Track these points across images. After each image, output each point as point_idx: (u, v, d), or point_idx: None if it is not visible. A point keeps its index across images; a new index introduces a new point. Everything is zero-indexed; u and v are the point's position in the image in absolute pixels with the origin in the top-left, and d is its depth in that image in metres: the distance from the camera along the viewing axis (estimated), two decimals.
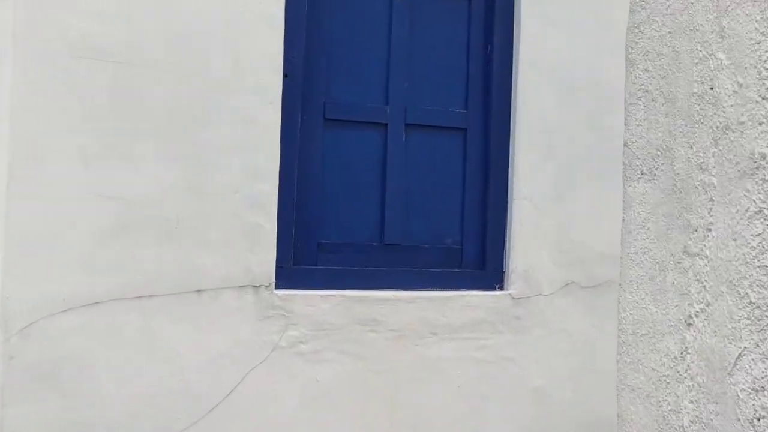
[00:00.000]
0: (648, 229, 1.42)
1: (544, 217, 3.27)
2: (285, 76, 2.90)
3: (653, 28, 1.44)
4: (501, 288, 3.26)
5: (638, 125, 1.48)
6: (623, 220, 1.52)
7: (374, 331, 3.00)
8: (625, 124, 1.53)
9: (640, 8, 1.48)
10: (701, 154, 1.28)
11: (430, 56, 3.24)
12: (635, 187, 1.47)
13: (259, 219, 2.83)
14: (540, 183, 3.27)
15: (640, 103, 1.47)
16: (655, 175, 1.41)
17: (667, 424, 1.29)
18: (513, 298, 3.22)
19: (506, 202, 3.27)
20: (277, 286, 2.90)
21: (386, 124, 3.16)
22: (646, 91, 1.45)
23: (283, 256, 2.93)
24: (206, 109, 2.75)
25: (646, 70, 1.46)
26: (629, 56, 1.52)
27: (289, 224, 2.95)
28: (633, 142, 1.49)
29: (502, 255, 3.27)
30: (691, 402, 1.24)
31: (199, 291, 2.74)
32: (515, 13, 3.30)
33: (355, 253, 3.12)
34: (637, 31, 1.49)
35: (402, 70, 3.17)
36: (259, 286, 2.84)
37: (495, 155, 3.27)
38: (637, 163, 1.47)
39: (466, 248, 3.28)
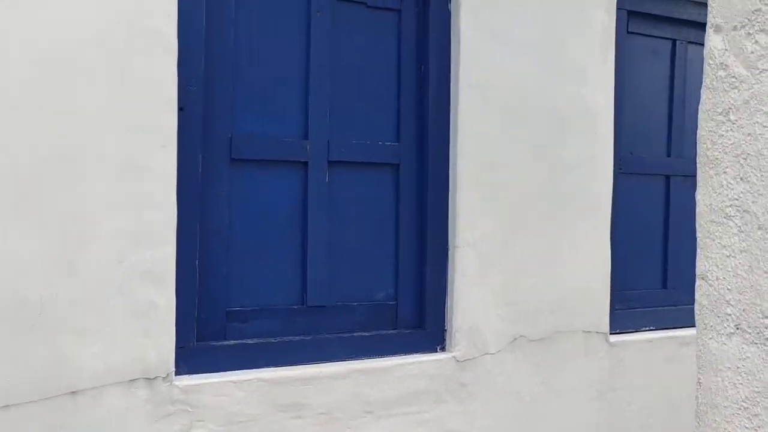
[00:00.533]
0: (756, 416, 0.97)
1: (489, 265, 2.83)
2: (180, 109, 2.30)
3: (757, 122, 0.99)
4: (443, 349, 2.81)
5: (728, 256, 1.02)
6: (698, 384, 1.07)
7: (299, 416, 2.47)
8: (700, 248, 1.08)
9: (730, 87, 1.02)
10: None
11: (355, 80, 2.71)
12: (725, 345, 1.02)
13: (151, 294, 2.22)
14: (485, 226, 2.82)
15: (731, 224, 1.02)
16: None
17: None
18: (457, 360, 2.77)
19: (446, 250, 2.80)
20: (178, 373, 2.31)
21: (306, 162, 2.61)
22: (744, 210, 1.00)
23: (184, 334, 2.34)
24: (78, 158, 2.10)
25: (742, 179, 1.00)
26: (708, 153, 1.06)
27: (191, 293, 2.36)
28: (717, 279, 1.04)
29: (444, 311, 2.81)
30: None
31: (73, 393, 2.11)
32: (452, 26, 2.81)
33: (272, 321, 2.56)
34: (723, 119, 1.04)
35: (323, 98, 2.62)
36: (155, 377, 2.24)
37: (433, 195, 2.79)
38: (729, 311, 1.02)
39: (402, 305, 2.79)
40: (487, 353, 2.84)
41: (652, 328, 3.37)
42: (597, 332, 3.12)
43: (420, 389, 2.69)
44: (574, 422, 3.05)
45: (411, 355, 2.73)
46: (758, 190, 0.98)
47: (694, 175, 3.39)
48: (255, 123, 2.52)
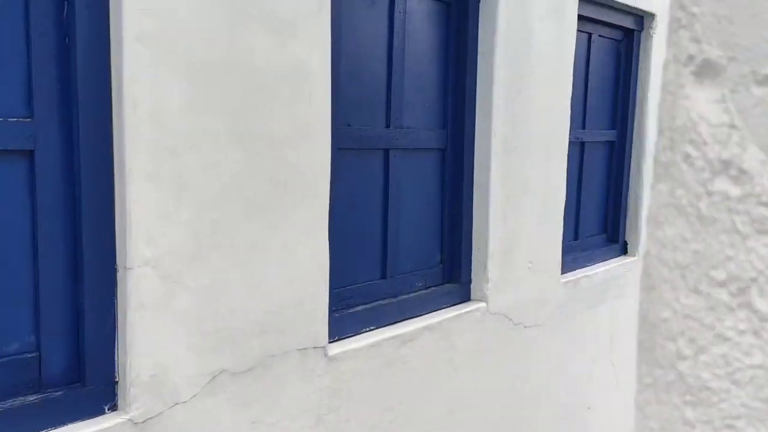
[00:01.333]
0: None
1: (177, 287, 2.07)
2: None
3: None
4: (114, 408, 2.01)
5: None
6: None
7: None
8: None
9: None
10: None
11: None
12: None
13: None
14: (169, 236, 2.04)
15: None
16: None
17: None
18: (135, 423, 2.00)
19: (114, 273, 1.97)
20: None
21: None
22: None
23: None
24: None
25: None
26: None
27: None
28: None
29: (113, 356, 2.00)
30: None
31: None
32: None
33: None
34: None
35: None
36: None
37: (89, 194, 1.93)
38: None
39: (48, 356, 1.92)
40: (177, 403, 2.11)
41: (373, 327, 2.91)
42: (314, 347, 2.55)
43: None
44: None
45: (65, 428, 1.89)
46: None
47: (416, 149, 2.89)
48: None
